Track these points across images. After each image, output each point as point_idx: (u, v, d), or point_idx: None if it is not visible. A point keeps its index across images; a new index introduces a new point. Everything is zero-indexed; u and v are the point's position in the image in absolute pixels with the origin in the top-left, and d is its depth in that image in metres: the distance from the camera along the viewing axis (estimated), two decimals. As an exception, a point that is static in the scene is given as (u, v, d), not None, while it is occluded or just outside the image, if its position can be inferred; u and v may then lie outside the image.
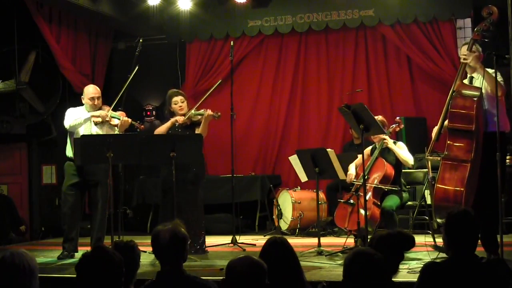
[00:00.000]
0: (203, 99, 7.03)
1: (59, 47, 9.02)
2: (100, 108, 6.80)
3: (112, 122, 6.73)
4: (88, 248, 6.57)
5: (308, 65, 9.74)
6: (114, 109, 6.82)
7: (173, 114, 6.85)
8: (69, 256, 6.62)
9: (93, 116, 6.65)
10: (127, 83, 6.90)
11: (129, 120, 6.72)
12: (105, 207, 6.80)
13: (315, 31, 9.58)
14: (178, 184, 6.34)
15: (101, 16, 9.21)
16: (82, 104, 6.85)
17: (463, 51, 5.61)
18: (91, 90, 6.83)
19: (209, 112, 6.63)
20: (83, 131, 6.68)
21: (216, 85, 7.14)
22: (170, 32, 10.08)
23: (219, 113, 6.70)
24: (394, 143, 6.76)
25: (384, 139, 6.58)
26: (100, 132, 6.72)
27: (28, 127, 9.79)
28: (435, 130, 5.81)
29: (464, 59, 5.50)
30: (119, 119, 6.72)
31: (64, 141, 6.87)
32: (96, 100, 6.76)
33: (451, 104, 5.46)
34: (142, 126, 6.88)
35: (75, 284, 3.05)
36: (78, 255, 6.69)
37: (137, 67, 6.93)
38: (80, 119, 6.66)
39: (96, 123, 6.72)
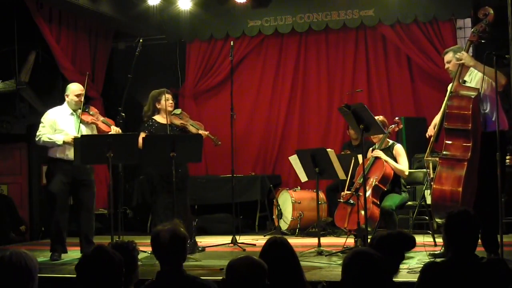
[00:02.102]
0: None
1: (59, 47, 9.02)
2: (88, 108, 6.83)
3: (101, 126, 6.77)
4: (78, 249, 6.63)
5: (308, 65, 9.74)
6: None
7: (155, 112, 6.84)
8: (60, 257, 6.62)
9: (65, 142, 6.59)
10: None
11: (119, 130, 6.73)
12: (93, 208, 6.84)
13: (315, 31, 9.58)
14: (166, 185, 6.36)
15: (101, 16, 9.21)
16: (61, 104, 6.87)
17: (448, 57, 5.66)
18: (77, 87, 6.84)
19: (203, 134, 6.71)
20: (72, 129, 6.68)
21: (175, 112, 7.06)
22: (170, 32, 10.08)
23: (219, 142, 6.83)
24: (393, 144, 6.76)
25: (377, 155, 6.60)
26: (87, 130, 6.77)
27: (28, 127, 9.78)
28: (431, 129, 5.82)
29: (460, 59, 5.51)
30: (109, 126, 6.77)
31: None
32: (81, 97, 6.79)
33: (448, 105, 5.47)
34: None
35: (75, 284, 3.05)
36: (71, 255, 6.72)
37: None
38: (53, 143, 6.63)
39: (81, 122, 6.73)
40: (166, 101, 6.82)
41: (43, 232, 9.69)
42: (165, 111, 6.77)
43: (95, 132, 6.84)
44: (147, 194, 9.38)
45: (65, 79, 9.33)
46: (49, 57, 9.29)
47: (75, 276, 3.04)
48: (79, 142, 6.29)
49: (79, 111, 6.73)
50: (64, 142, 6.60)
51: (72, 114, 6.80)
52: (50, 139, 6.66)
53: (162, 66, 10.35)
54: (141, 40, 7.33)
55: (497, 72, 5.17)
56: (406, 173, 6.67)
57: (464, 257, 3.42)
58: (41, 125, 6.81)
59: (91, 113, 6.84)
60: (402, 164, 6.64)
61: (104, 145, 6.15)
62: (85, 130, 6.75)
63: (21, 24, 9.14)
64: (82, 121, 6.74)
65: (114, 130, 6.73)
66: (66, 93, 6.88)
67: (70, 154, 6.61)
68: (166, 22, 9.95)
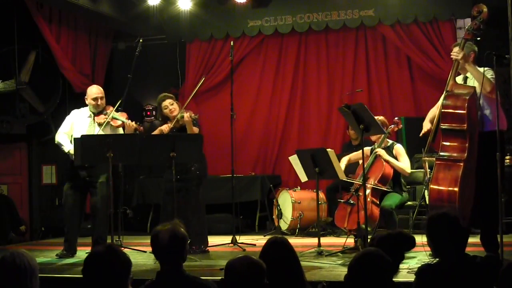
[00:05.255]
0: (188, 100, 7.03)
1: (59, 47, 9.02)
2: (103, 109, 6.80)
3: (113, 123, 6.74)
4: (88, 248, 6.66)
5: (308, 65, 9.74)
6: (115, 110, 6.83)
7: (166, 118, 6.84)
8: (68, 256, 6.65)
9: (70, 153, 6.60)
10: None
11: (133, 124, 6.70)
12: (105, 208, 6.80)
13: (315, 31, 9.58)
14: (178, 184, 6.35)
15: (101, 16, 9.21)
16: (86, 105, 6.86)
17: (454, 50, 5.63)
18: (94, 91, 6.83)
19: (186, 117, 6.59)
20: (84, 132, 6.68)
21: (201, 83, 7.12)
22: (170, 32, 10.08)
23: (196, 115, 6.73)
24: (393, 144, 6.76)
25: (378, 152, 6.59)
26: (103, 132, 6.71)
27: (28, 127, 9.79)
28: (426, 124, 5.79)
29: (455, 56, 5.48)
30: (122, 121, 6.73)
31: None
32: (99, 100, 6.77)
33: (443, 104, 5.45)
34: (141, 127, 6.85)
35: (75, 284, 3.05)
36: (78, 254, 6.75)
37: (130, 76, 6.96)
38: (62, 147, 6.68)
39: (99, 124, 6.73)
40: (165, 109, 6.77)
41: (43, 232, 9.70)
42: (171, 118, 6.76)
43: (119, 132, 6.78)
44: (147, 194, 9.39)
45: (65, 79, 9.34)
46: (49, 57, 9.29)
47: (74, 276, 3.05)
48: (79, 142, 6.29)
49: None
50: (69, 153, 6.62)
51: (89, 116, 6.80)
52: (61, 143, 6.72)
53: (162, 66, 10.36)
54: (141, 40, 7.33)
55: (484, 79, 5.16)
56: (408, 171, 6.66)
57: (452, 260, 3.40)
58: (63, 122, 6.85)
59: (104, 113, 6.79)
60: (404, 163, 6.63)
61: (104, 145, 6.15)
62: (100, 132, 6.68)
63: (21, 24, 9.15)
64: (98, 124, 6.74)
65: (127, 124, 6.68)
66: (85, 96, 6.88)
67: None
68: (166, 22, 9.95)
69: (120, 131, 6.82)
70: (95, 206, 6.75)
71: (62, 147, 6.70)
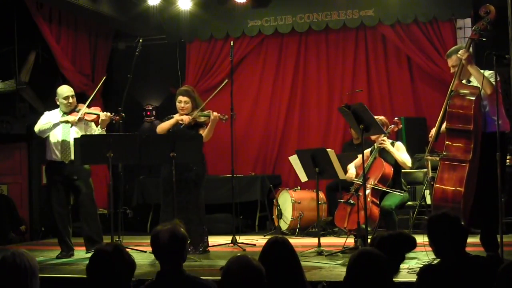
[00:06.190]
0: (208, 100, 7.01)
1: (59, 47, 9.03)
2: (75, 107, 6.80)
3: (87, 118, 6.73)
4: (83, 249, 6.67)
5: (308, 65, 9.75)
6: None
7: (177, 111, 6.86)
8: (68, 256, 6.65)
9: (61, 121, 6.64)
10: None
11: (109, 114, 6.69)
12: (91, 204, 6.78)
13: (315, 31, 9.58)
14: (179, 184, 6.34)
15: (101, 16, 9.21)
16: (58, 106, 6.86)
17: (453, 61, 5.61)
18: (65, 90, 6.84)
19: (216, 115, 6.62)
20: (60, 133, 6.68)
21: (223, 84, 7.07)
22: (170, 32, 10.08)
23: (226, 116, 6.73)
24: (393, 143, 6.76)
25: (382, 141, 6.58)
26: (78, 131, 6.71)
27: (28, 127, 9.78)
28: (433, 131, 5.78)
29: (460, 56, 5.46)
30: (97, 113, 6.72)
31: (45, 144, 6.86)
32: (70, 98, 6.76)
33: (449, 104, 5.43)
34: (118, 117, 6.77)
35: (75, 284, 3.06)
36: (76, 254, 6.75)
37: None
38: (49, 124, 6.67)
39: (72, 124, 6.72)
40: (178, 103, 6.77)
41: (43, 232, 9.70)
42: (180, 113, 6.77)
43: (91, 127, 6.80)
44: (147, 194, 9.39)
45: (65, 79, 9.34)
46: (49, 57, 9.29)
47: (74, 276, 3.05)
48: (79, 142, 6.29)
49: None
50: (60, 122, 6.64)
51: (62, 116, 6.78)
52: (43, 123, 6.70)
53: (162, 66, 10.36)
54: (141, 40, 7.33)
55: (484, 81, 5.16)
56: (409, 164, 6.65)
57: (453, 260, 3.40)
58: (41, 119, 6.85)
59: (76, 110, 6.80)
60: (404, 158, 6.63)
61: (104, 145, 6.15)
62: (74, 131, 6.69)
63: (21, 24, 9.15)
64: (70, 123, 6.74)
65: (103, 115, 6.67)
66: (56, 97, 6.86)
67: (59, 155, 6.65)
68: (166, 22, 9.95)
69: (93, 126, 6.79)
70: (81, 204, 6.75)
71: (48, 124, 6.66)
